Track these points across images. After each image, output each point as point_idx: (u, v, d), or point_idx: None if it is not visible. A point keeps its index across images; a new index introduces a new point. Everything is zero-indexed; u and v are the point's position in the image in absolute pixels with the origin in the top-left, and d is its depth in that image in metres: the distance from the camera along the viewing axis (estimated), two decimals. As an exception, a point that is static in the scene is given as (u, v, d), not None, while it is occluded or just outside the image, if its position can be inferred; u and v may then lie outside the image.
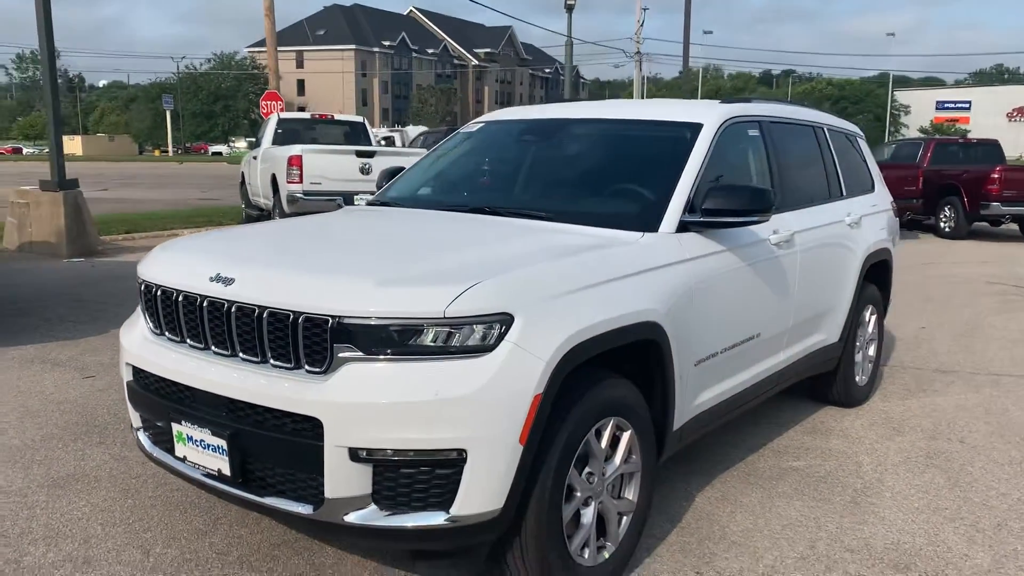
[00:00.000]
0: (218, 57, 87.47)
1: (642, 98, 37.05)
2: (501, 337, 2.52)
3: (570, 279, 2.79)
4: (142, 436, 3.17)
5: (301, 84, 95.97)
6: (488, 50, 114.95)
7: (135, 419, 3.21)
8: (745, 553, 3.35)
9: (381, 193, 4.36)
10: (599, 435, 2.91)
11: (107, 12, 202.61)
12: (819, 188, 4.84)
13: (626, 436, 3.03)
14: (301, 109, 64.83)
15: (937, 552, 3.41)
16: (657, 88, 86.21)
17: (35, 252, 11.37)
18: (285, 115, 14.91)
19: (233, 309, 2.71)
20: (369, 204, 4.27)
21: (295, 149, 11.93)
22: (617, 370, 3.07)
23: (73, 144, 71.75)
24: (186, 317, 2.90)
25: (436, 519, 2.51)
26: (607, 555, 3.02)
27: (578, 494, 2.84)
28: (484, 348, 2.50)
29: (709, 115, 3.90)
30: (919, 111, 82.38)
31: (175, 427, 2.87)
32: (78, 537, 3.35)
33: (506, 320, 2.53)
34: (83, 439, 4.44)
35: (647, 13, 36.60)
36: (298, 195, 11.63)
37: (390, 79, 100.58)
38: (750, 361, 3.95)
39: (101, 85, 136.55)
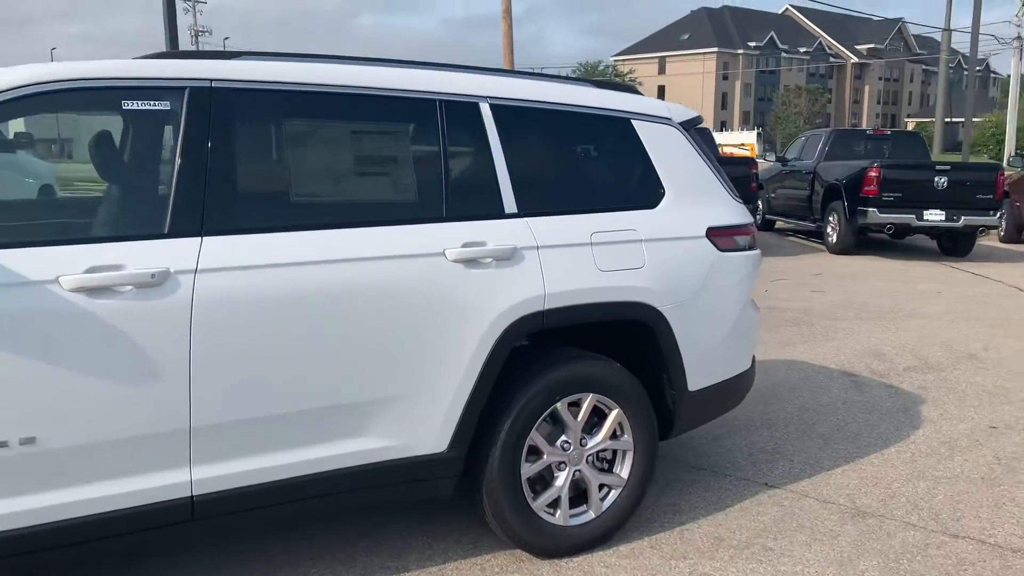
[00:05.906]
0: (583, 67, 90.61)
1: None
2: None
3: None
4: None
5: (661, 90, 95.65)
6: (872, 45, 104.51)
7: None
8: None
9: None
10: None
11: (528, 30, 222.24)
12: (385, 200, 2.95)
13: None
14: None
15: None
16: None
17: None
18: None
19: None
20: None
21: None
22: None
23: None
24: None
25: None
26: None
27: None
28: None
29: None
30: None
31: None
32: None
33: None
34: None
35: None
36: None
37: (753, 80, 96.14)
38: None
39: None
